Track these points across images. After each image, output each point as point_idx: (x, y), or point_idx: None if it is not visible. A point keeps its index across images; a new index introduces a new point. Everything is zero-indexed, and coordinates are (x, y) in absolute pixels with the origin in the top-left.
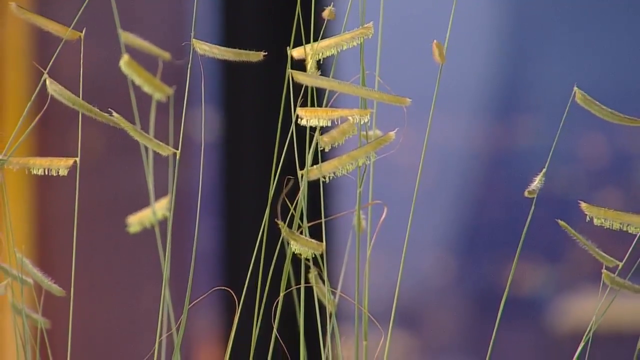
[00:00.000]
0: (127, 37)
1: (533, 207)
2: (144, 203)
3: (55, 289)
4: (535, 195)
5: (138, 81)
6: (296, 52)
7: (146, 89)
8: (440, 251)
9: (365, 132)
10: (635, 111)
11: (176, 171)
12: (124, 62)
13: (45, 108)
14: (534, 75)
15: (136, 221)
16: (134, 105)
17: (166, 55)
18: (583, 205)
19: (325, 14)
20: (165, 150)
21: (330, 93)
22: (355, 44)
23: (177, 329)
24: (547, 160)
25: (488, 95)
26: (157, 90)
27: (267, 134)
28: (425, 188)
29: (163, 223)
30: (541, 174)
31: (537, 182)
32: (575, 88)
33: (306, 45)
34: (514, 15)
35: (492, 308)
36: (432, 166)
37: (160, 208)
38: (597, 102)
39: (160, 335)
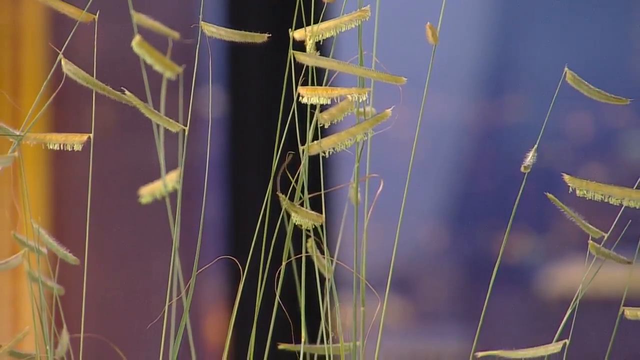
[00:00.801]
0: (139, 18)
1: (524, 181)
2: (154, 176)
3: (70, 257)
4: (529, 170)
5: (149, 60)
6: (298, 34)
7: (157, 67)
8: (434, 221)
9: (363, 110)
10: (616, 89)
11: (185, 146)
12: (136, 42)
13: (60, 87)
14: (522, 56)
15: (148, 192)
16: (146, 83)
17: (176, 34)
18: (566, 177)
19: None
20: (174, 127)
21: (330, 72)
22: (353, 25)
23: (186, 294)
24: (536, 135)
25: (479, 74)
26: (168, 69)
27: (270, 111)
28: (420, 162)
29: (172, 195)
30: (533, 150)
31: (530, 158)
32: (566, 69)
33: (307, 28)
34: None
35: (483, 275)
36: (426, 141)
37: (171, 181)
38: (585, 82)
39: (170, 300)
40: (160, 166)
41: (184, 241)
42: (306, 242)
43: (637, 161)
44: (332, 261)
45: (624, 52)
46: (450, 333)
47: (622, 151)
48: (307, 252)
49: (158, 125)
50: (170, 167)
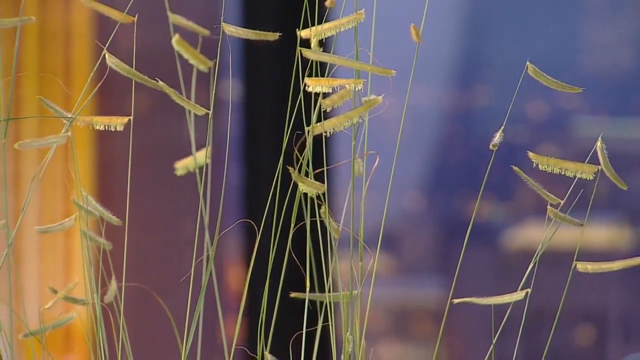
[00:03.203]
0: (175, 18)
1: (493, 157)
2: (181, 150)
3: (114, 219)
4: (496, 148)
5: (186, 55)
6: (304, 33)
7: (192, 61)
8: (416, 190)
9: (367, 97)
10: (568, 80)
11: (211, 127)
12: (175, 40)
13: (104, 77)
14: (490, 52)
15: (182, 166)
16: (180, 74)
17: (206, 32)
18: (531, 154)
19: (327, 3)
20: (200, 111)
21: (331, 66)
22: (350, 26)
23: (211, 251)
24: (502, 119)
25: (454, 67)
26: (200, 63)
27: (281, 98)
28: (405, 140)
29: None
30: (500, 131)
31: (497, 137)
32: (528, 62)
33: (312, 28)
34: (474, 2)
35: (457, 234)
36: (410, 123)
37: (201, 156)
38: (544, 74)
39: (198, 255)
40: (192, 144)
41: (209, 205)
42: (313, 208)
43: (585, 140)
44: (337, 225)
45: (574, 48)
46: (429, 283)
47: (573, 131)
48: (312, 216)
49: (189, 110)
50: (196, 144)
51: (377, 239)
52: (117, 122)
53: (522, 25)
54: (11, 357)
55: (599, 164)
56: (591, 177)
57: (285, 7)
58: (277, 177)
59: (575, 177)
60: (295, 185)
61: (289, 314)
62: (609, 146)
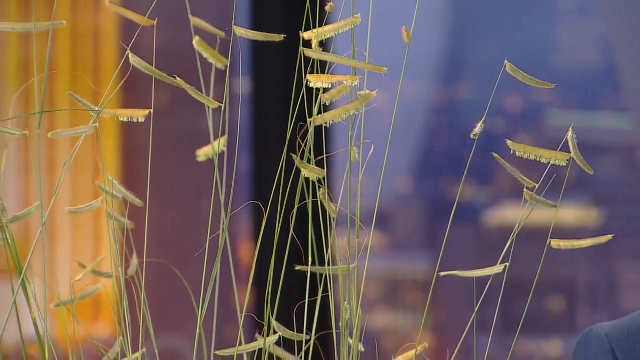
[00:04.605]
0: (195, 21)
1: (475, 145)
2: (196, 139)
3: (136, 201)
4: (477, 137)
5: (205, 55)
6: (306, 35)
7: (210, 60)
8: (406, 174)
9: (355, 92)
10: (541, 77)
11: (226, 118)
12: (196, 42)
13: (128, 74)
14: (472, 52)
15: (202, 153)
16: (200, 71)
17: (222, 34)
18: (509, 142)
19: (327, 8)
20: (213, 104)
21: (330, 64)
22: (348, 29)
23: (224, 228)
24: (483, 111)
25: (440, 65)
26: (218, 61)
27: (286, 93)
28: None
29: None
30: (481, 122)
31: (478, 128)
32: (506, 61)
33: (313, 30)
34: (457, 6)
35: (442, 214)
36: (401, 115)
37: (219, 144)
38: (520, 71)
39: (212, 234)
40: (210, 134)
41: (222, 187)
42: (315, 191)
43: (556, 130)
44: (336, 206)
45: (547, 49)
46: (418, 257)
47: (546, 123)
48: (314, 198)
49: (204, 104)
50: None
51: (371, 218)
52: (139, 115)
53: (501, 28)
54: (45, 325)
55: (570, 152)
56: (564, 164)
57: (290, 12)
58: (283, 163)
59: (549, 163)
60: (298, 171)
61: (293, 285)
62: (577, 136)
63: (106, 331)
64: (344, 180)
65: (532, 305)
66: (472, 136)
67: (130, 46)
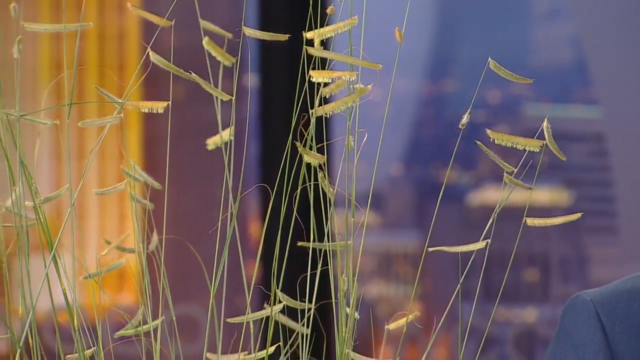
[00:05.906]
0: (205, 24)
1: (460, 134)
2: (209, 129)
3: (156, 184)
4: (464, 127)
5: (214, 53)
6: (309, 35)
7: (219, 58)
8: (397, 160)
9: (358, 86)
10: (519, 73)
11: (234, 110)
12: (205, 42)
13: (149, 70)
14: (458, 50)
15: (212, 142)
16: (209, 67)
17: (230, 35)
18: (488, 131)
19: (328, 10)
20: (225, 97)
21: (330, 61)
22: (346, 29)
23: (235, 209)
24: (468, 104)
25: (429, 61)
26: (225, 59)
27: (290, 86)
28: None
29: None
30: (467, 113)
31: (465, 119)
32: (490, 59)
33: (315, 30)
34: (444, 10)
35: (430, 195)
36: (393, 107)
37: (226, 134)
38: (502, 68)
39: (223, 213)
40: (218, 124)
41: (232, 172)
42: (319, 174)
43: (533, 120)
44: (333, 188)
45: (525, 47)
46: (409, 234)
47: (523, 114)
48: (315, 181)
49: (216, 96)
50: (222, 124)
51: (366, 199)
52: (159, 106)
53: (483, 29)
54: (74, 295)
55: (544, 140)
56: (538, 150)
57: (294, 14)
58: (287, 150)
59: (525, 150)
60: (301, 157)
61: (296, 260)
62: (552, 126)
63: (129, 300)
64: (341, 165)
65: (510, 276)
66: (460, 126)
67: (150, 45)
